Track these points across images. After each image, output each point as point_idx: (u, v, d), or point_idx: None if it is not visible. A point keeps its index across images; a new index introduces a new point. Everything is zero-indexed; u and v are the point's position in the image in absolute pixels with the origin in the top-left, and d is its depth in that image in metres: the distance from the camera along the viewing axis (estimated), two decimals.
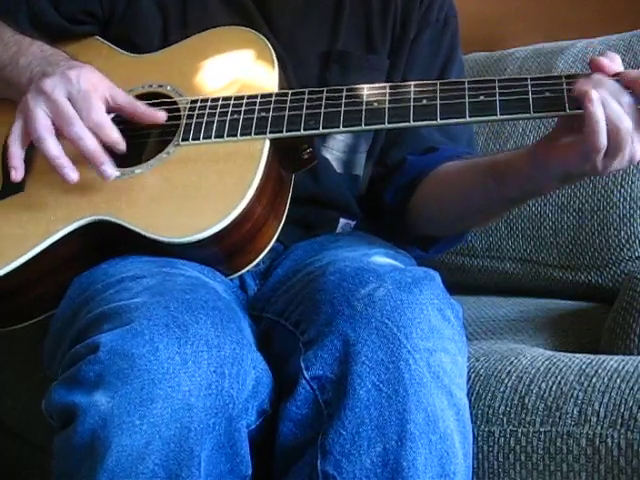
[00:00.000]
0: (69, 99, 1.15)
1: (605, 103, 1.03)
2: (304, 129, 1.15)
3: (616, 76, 1.06)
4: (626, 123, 1.03)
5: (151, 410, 0.93)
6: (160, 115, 1.20)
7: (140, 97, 1.24)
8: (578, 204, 1.57)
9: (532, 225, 1.61)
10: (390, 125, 1.13)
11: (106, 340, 0.96)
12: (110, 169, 1.15)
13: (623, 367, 1.09)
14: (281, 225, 1.19)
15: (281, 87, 1.21)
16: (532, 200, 1.59)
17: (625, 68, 1.09)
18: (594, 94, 1.03)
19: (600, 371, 1.09)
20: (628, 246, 1.52)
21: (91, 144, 1.14)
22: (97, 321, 1.00)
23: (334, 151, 1.34)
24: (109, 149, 1.16)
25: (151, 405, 0.93)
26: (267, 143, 1.15)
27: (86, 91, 1.16)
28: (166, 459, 0.93)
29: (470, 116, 1.09)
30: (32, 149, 1.20)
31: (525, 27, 2.05)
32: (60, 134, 1.16)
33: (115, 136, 1.16)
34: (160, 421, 0.93)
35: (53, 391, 0.98)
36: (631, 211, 1.52)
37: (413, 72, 1.35)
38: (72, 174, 1.15)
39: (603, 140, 1.03)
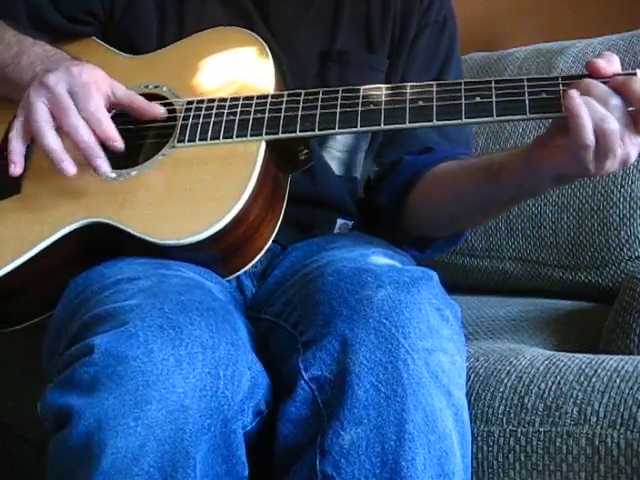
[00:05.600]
0: (69, 92, 1.15)
1: (589, 106, 1.03)
2: (300, 130, 1.14)
3: (608, 80, 1.06)
4: (612, 124, 1.02)
5: (146, 412, 0.93)
6: (158, 110, 1.19)
7: None
8: (578, 204, 1.57)
9: (532, 225, 1.61)
10: (386, 127, 1.12)
11: (100, 342, 0.95)
12: (104, 165, 1.14)
13: (622, 367, 1.09)
14: (278, 226, 1.19)
15: (278, 87, 1.21)
16: (529, 200, 1.59)
17: (625, 68, 1.08)
18: (573, 92, 1.03)
19: (599, 371, 1.09)
20: (628, 246, 1.52)
21: (85, 135, 1.13)
22: (92, 323, 1.00)
23: (333, 150, 1.34)
24: (108, 150, 1.15)
25: (145, 407, 0.93)
26: (263, 144, 1.15)
27: (86, 83, 1.15)
28: (161, 460, 0.93)
29: (466, 117, 1.09)
30: (30, 149, 1.20)
31: (525, 27, 2.05)
32: (59, 128, 1.15)
33: (111, 131, 1.15)
34: (155, 423, 0.93)
35: (48, 393, 0.98)
36: (631, 211, 1.52)
37: (412, 73, 1.35)
38: (70, 167, 1.13)
39: (588, 136, 1.02)
